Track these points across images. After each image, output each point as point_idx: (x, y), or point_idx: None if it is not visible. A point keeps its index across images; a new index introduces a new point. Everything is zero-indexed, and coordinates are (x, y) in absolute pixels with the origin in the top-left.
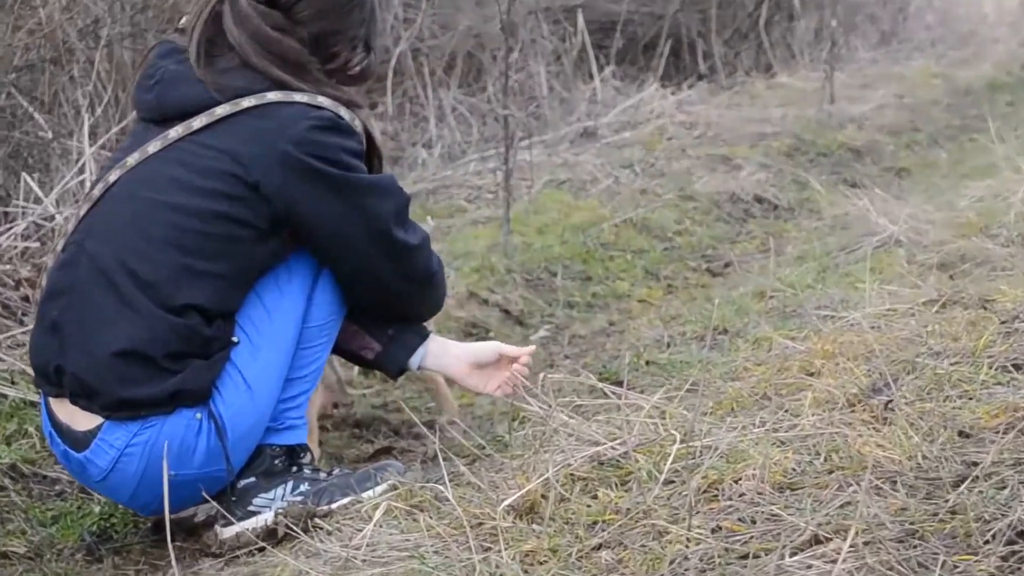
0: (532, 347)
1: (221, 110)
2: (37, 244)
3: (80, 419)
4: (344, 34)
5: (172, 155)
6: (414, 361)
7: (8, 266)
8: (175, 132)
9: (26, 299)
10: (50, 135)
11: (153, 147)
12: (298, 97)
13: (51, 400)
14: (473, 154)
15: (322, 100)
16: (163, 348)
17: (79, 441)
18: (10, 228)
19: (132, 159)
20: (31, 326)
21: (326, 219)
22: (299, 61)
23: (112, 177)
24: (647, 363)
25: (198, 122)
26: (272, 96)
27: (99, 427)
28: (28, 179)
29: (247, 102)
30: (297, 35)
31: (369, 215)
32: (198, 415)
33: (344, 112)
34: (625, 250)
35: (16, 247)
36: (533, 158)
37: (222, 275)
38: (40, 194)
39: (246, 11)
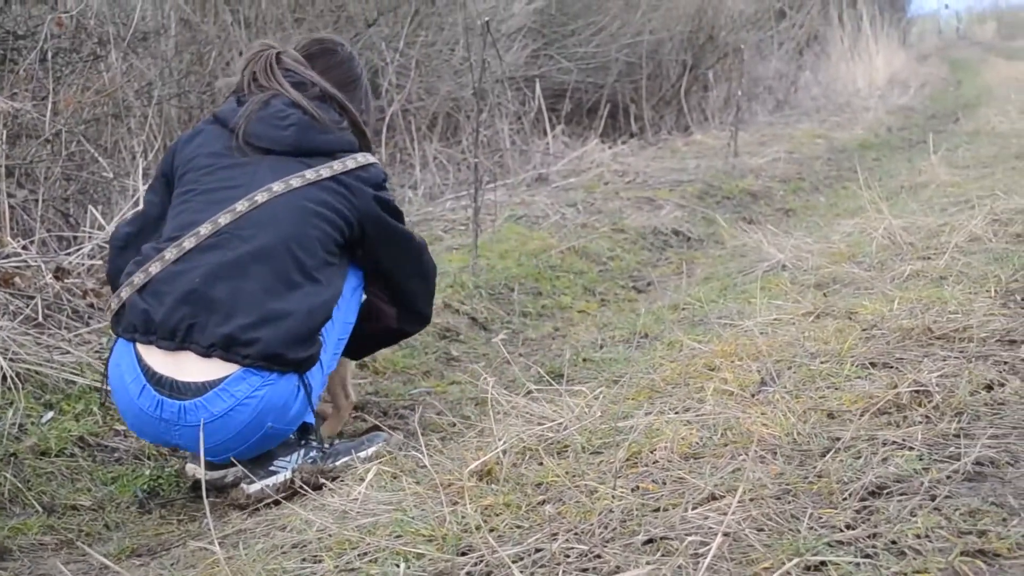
0: None
1: (351, 161)
2: (100, 262)
3: (193, 371)
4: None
5: (313, 189)
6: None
7: (77, 280)
8: (325, 170)
9: (91, 306)
10: (111, 175)
11: (296, 180)
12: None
13: (152, 357)
14: (449, 194)
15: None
16: (316, 321)
17: (186, 390)
18: (79, 249)
19: (278, 186)
20: (98, 325)
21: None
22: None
23: (259, 198)
24: (584, 360)
25: (339, 166)
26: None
27: (222, 379)
28: (93, 210)
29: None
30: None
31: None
32: (300, 381)
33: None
34: (568, 271)
35: (83, 264)
36: (497, 198)
37: (342, 270)
38: (103, 222)
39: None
